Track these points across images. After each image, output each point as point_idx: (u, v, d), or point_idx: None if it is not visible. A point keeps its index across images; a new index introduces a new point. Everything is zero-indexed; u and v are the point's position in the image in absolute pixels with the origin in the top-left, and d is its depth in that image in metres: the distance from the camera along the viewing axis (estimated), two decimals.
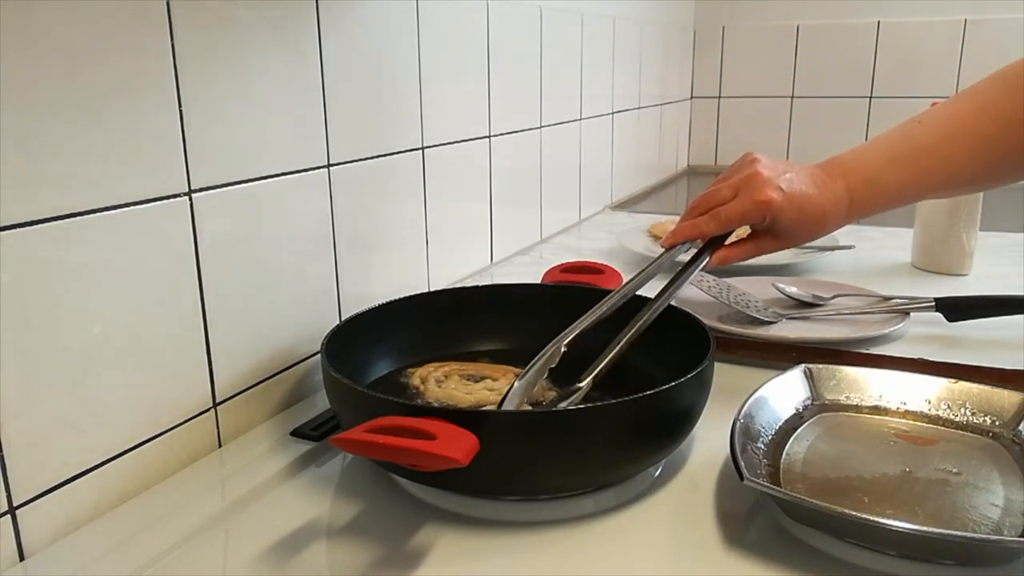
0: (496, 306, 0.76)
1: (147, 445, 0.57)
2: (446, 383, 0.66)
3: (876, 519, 0.45)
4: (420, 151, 0.90)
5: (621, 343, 0.60)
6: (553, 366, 0.60)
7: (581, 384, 0.57)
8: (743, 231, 0.75)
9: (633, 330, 0.61)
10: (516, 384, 0.58)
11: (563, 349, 0.60)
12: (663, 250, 0.74)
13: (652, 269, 0.70)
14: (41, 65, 0.47)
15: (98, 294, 0.52)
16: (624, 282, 0.69)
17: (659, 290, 0.66)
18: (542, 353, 0.60)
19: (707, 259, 0.72)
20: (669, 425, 0.55)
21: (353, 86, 0.77)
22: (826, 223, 0.72)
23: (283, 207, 0.68)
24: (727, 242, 0.74)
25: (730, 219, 0.71)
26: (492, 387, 0.65)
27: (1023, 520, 0.49)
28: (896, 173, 0.71)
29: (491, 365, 0.70)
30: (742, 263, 0.76)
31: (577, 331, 0.61)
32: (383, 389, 0.66)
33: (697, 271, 0.71)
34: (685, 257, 0.74)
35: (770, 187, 0.69)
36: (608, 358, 0.58)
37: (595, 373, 0.57)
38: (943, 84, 1.86)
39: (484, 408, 0.62)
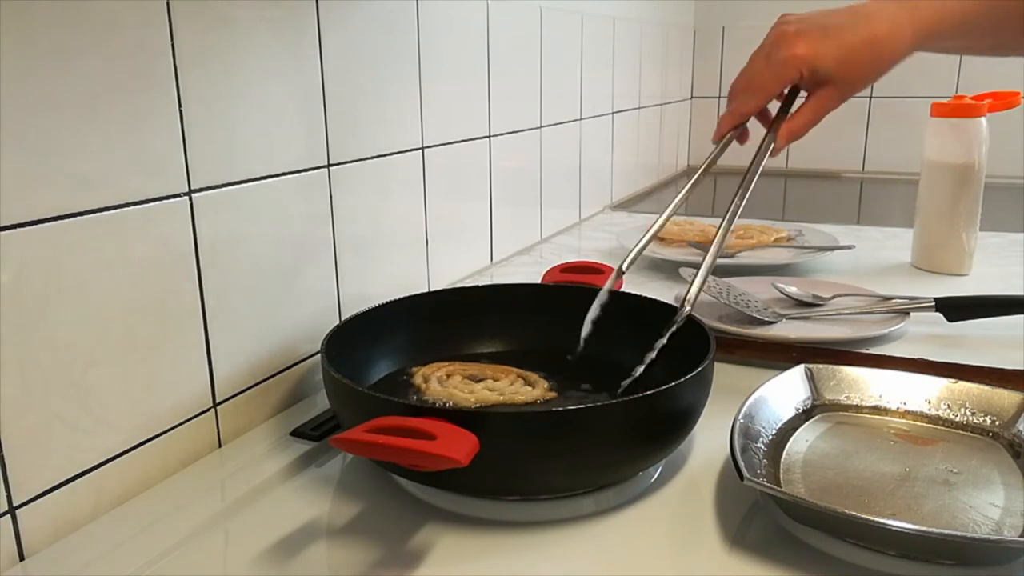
0: (496, 306, 0.76)
1: (147, 445, 0.57)
2: (448, 383, 0.66)
3: (876, 519, 0.45)
4: (420, 151, 0.90)
5: (712, 252, 0.66)
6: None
7: (685, 309, 0.63)
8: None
9: (723, 226, 0.66)
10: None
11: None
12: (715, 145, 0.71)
13: (707, 166, 0.69)
14: (41, 65, 0.48)
15: (98, 294, 0.52)
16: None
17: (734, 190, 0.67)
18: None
19: (772, 139, 0.68)
20: (669, 425, 0.55)
21: (353, 86, 0.77)
22: (882, 51, 0.66)
23: (283, 207, 0.68)
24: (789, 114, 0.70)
25: (763, 87, 0.67)
26: (493, 387, 0.65)
27: (1023, 520, 0.49)
28: None
29: (492, 366, 0.70)
30: (745, 262, 0.75)
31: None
32: (386, 389, 0.66)
33: (767, 156, 0.67)
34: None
35: (796, 40, 0.65)
36: (701, 274, 0.65)
37: (692, 292, 0.64)
38: (943, 84, 1.86)
39: (485, 408, 0.62)
